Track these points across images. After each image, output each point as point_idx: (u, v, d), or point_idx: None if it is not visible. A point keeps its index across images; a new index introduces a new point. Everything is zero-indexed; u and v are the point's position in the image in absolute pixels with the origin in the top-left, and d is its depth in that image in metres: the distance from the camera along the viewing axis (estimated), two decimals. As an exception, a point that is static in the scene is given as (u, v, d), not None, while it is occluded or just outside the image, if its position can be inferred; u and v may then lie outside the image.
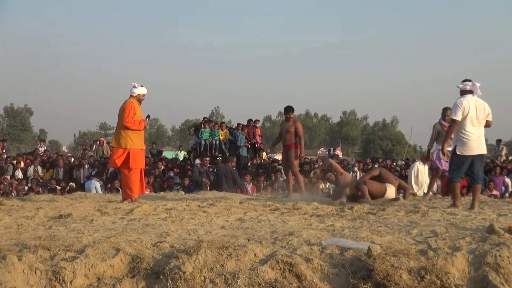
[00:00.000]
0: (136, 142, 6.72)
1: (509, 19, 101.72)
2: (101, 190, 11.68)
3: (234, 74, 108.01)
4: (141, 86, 6.85)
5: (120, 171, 6.86)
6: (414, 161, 11.85)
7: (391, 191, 7.05)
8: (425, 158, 8.67)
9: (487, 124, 6.02)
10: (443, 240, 3.49)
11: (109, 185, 11.89)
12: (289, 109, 8.06)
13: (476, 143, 5.87)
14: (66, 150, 55.22)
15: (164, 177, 12.47)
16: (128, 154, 6.67)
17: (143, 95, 6.88)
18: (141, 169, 6.87)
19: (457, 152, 5.94)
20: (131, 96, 6.82)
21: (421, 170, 9.43)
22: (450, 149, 6.46)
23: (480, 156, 6.01)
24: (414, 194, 8.70)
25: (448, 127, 5.99)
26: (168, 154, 22.50)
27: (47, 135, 65.10)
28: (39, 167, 13.77)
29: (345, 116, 75.70)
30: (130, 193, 6.71)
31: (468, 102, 5.83)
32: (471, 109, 5.81)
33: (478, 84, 5.90)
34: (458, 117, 5.81)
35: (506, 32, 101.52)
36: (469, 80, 5.97)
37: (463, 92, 5.95)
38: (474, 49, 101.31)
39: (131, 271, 3.06)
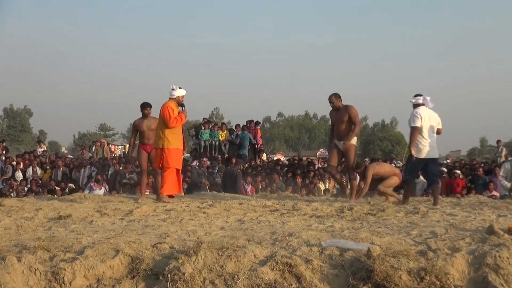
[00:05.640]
0: (172, 142, 6.83)
1: (508, 19, 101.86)
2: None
3: (233, 74, 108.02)
4: (179, 88, 6.96)
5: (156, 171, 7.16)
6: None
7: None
8: None
9: (438, 132, 6.68)
10: (442, 241, 3.49)
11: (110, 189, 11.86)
12: (146, 105, 7.30)
13: (429, 148, 6.53)
14: (65, 151, 55.18)
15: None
16: (164, 153, 6.80)
17: (183, 97, 6.99)
18: (177, 169, 6.99)
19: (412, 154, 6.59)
20: (170, 98, 6.92)
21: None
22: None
23: (434, 159, 6.70)
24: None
25: (410, 134, 6.63)
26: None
27: (47, 136, 65.06)
28: (37, 168, 13.77)
29: (345, 117, 75.48)
30: (162, 191, 6.84)
31: (424, 112, 6.54)
32: (426, 118, 6.53)
33: (428, 98, 6.62)
34: (418, 124, 6.49)
35: (506, 32, 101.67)
36: (420, 95, 6.63)
37: (416, 106, 6.62)
38: (473, 49, 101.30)
39: (130, 272, 3.06)
